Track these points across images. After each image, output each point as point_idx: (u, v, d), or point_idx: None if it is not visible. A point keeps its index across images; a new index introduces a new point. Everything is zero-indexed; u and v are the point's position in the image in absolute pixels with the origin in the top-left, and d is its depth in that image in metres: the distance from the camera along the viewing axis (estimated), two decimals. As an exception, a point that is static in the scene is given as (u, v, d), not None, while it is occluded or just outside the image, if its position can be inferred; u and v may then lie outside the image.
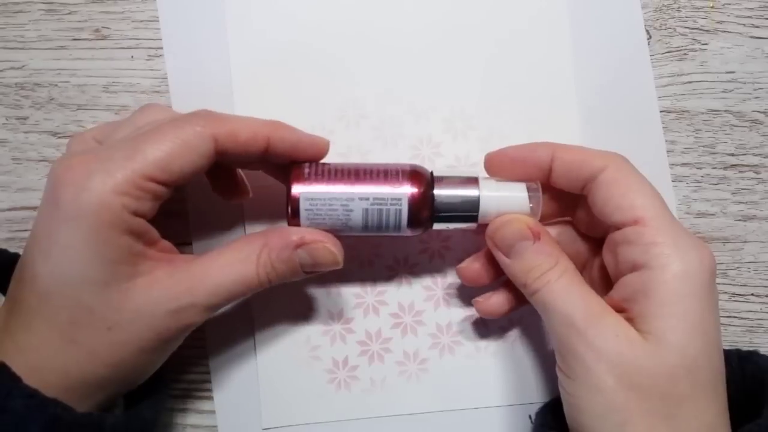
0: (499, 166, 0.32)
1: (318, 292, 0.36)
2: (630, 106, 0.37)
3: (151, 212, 0.28)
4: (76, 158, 0.27)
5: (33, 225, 0.28)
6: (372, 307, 0.36)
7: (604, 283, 0.32)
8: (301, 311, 0.36)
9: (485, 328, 0.36)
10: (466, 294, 0.36)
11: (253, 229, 0.35)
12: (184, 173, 0.27)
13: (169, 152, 0.27)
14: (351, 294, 0.36)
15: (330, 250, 0.29)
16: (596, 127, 0.37)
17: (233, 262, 0.29)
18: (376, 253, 0.36)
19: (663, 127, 0.38)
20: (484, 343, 0.36)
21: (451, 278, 0.36)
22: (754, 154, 0.38)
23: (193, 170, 0.28)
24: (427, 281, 0.36)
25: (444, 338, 0.36)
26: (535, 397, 0.36)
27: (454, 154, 0.37)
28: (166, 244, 0.30)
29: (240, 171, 0.34)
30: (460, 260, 0.34)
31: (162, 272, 0.28)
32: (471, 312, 0.36)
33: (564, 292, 0.29)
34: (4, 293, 0.29)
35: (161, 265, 0.28)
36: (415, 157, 0.36)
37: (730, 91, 0.38)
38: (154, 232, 0.28)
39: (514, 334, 0.36)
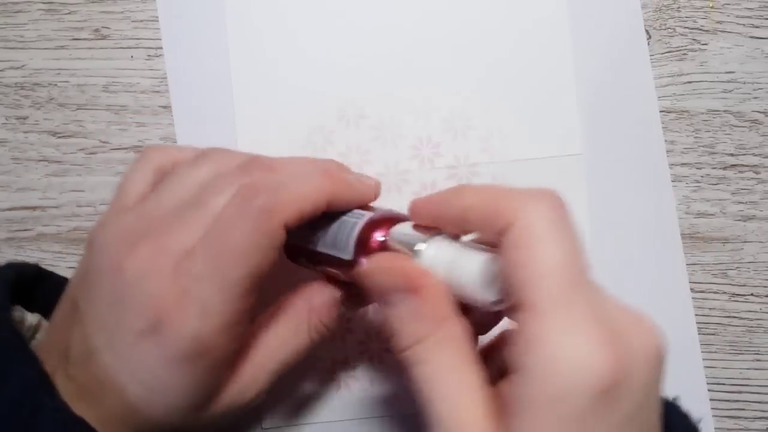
0: (423, 215, 0.26)
1: (318, 292, 0.36)
2: (630, 106, 0.37)
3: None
4: (166, 288, 0.25)
5: (87, 301, 0.26)
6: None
7: None
8: (301, 311, 0.36)
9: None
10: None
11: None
12: (262, 276, 0.26)
13: (253, 273, 0.25)
14: (351, 294, 0.36)
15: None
16: (596, 127, 0.37)
17: (287, 338, 0.28)
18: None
19: (663, 127, 0.38)
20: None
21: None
22: (754, 154, 0.38)
23: (269, 265, 0.26)
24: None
25: (444, 338, 0.36)
26: (535, 397, 0.36)
27: (454, 154, 0.37)
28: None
29: None
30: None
31: (234, 386, 0.27)
32: (471, 312, 0.36)
33: (438, 382, 0.22)
34: (27, 308, 0.28)
35: (229, 375, 0.27)
36: (415, 157, 0.36)
37: (730, 91, 0.38)
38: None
39: (513, 334, 0.36)
